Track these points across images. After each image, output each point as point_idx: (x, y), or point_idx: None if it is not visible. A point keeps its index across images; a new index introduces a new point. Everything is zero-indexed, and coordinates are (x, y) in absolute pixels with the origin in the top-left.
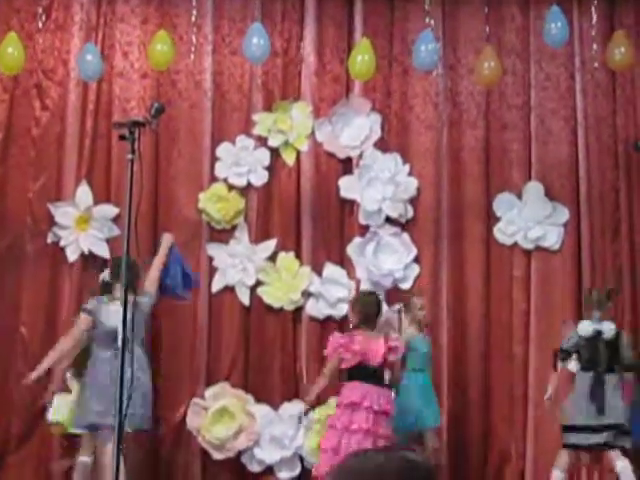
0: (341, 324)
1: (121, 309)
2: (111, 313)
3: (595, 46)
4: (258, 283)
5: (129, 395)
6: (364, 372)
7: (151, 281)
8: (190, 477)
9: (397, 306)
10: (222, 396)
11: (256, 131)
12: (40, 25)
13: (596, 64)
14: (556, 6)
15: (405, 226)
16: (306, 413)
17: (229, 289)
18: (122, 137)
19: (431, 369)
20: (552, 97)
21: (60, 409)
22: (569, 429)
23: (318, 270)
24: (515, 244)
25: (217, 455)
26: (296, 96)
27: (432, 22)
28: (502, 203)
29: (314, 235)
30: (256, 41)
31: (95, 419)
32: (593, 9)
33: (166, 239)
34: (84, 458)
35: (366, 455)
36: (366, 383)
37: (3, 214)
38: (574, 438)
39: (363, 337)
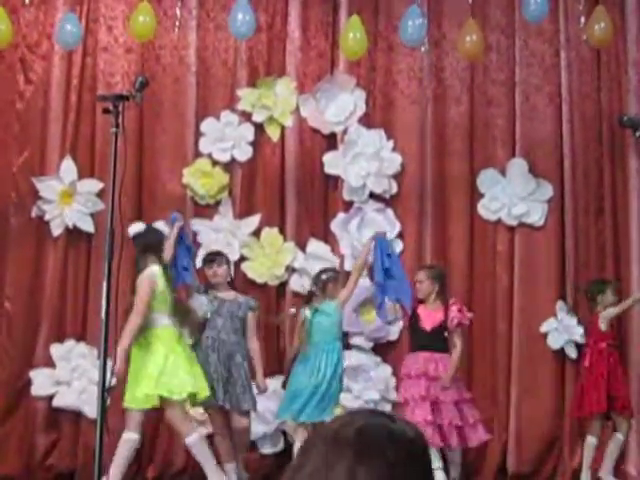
0: None
1: None
2: None
3: (582, 20)
4: (242, 258)
5: None
6: None
7: None
8: (173, 452)
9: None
10: None
11: (240, 106)
12: None
13: (584, 36)
14: None
15: (389, 202)
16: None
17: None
18: (106, 111)
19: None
20: (537, 73)
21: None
22: None
23: (302, 246)
24: (499, 220)
25: (201, 430)
26: (280, 72)
27: None
28: (486, 179)
29: (298, 211)
30: (241, 17)
31: None
32: None
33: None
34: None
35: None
36: None
37: None
38: None
39: None
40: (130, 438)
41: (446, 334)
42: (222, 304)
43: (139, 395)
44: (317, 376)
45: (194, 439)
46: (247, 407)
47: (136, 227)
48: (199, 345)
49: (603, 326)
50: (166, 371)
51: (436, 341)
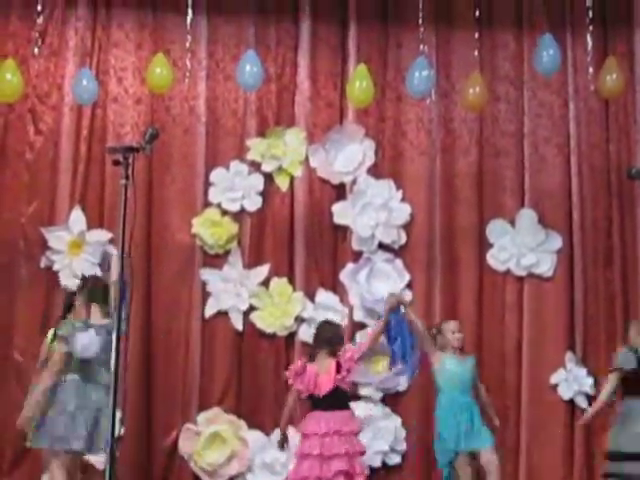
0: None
1: (97, 337)
2: (87, 341)
3: (591, 70)
4: (251, 308)
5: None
6: (315, 401)
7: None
8: None
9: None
10: (214, 421)
11: (250, 156)
12: (35, 50)
13: (592, 87)
14: (549, 34)
15: (398, 252)
16: (281, 444)
17: (222, 314)
18: (116, 162)
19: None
20: (545, 124)
21: None
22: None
23: (311, 296)
24: (508, 271)
25: None
26: (290, 122)
27: (426, 49)
28: (495, 229)
29: (307, 261)
30: (249, 68)
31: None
32: (588, 36)
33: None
34: None
35: None
36: (317, 410)
37: None
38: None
39: (314, 368)
40: None
41: None
42: None
43: None
44: None
45: None
46: None
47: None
48: None
49: None
50: None
51: None
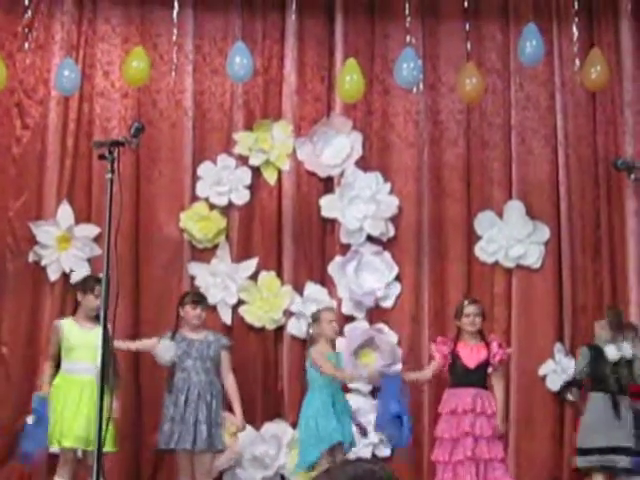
0: None
1: None
2: None
3: (577, 62)
4: (240, 302)
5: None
6: None
7: None
8: None
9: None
10: None
11: (237, 150)
12: (21, 44)
13: (579, 78)
14: (532, 24)
15: (386, 244)
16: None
17: (211, 308)
18: (101, 157)
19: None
20: (532, 116)
21: None
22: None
23: (299, 289)
24: (496, 262)
25: None
26: (277, 115)
27: (413, 40)
28: (483, 221)
29: (295, 254)
30: (239, 60)
31: None
32: (574, 27)
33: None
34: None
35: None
36: None
37: None
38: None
39: None
40: None
41: (489, 371)
42: (191, 345)
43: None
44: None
45: None
46: (219, 447)
47: None
48: (170, 388)
49: None
50: None
51: (480, 378)
